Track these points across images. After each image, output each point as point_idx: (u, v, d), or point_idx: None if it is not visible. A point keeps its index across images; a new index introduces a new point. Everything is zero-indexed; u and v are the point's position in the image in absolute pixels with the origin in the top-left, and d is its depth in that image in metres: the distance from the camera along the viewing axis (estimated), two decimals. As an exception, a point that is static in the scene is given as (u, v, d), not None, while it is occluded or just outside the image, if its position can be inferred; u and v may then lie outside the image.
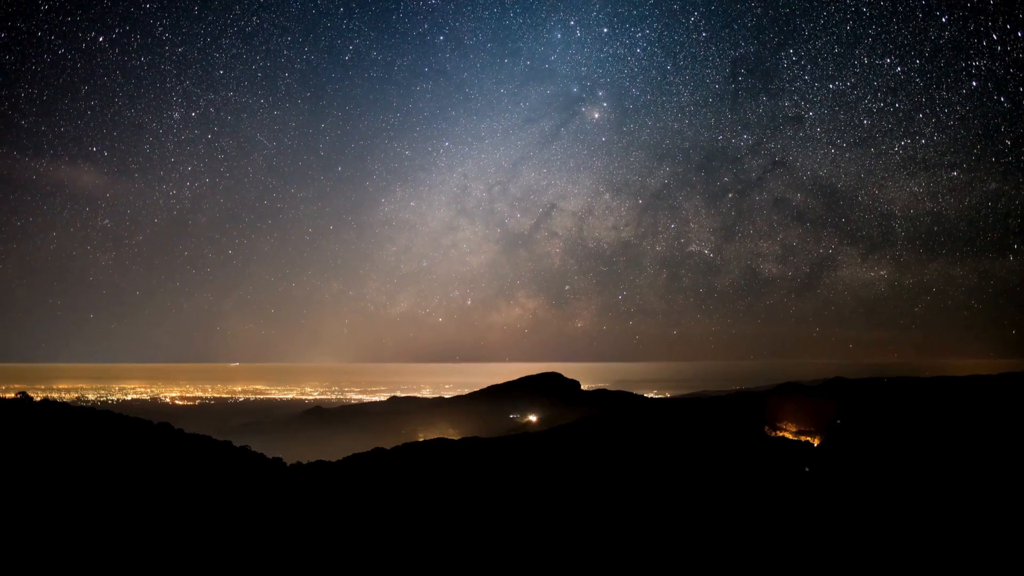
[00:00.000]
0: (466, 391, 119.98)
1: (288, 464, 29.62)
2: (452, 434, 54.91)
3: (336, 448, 52.16)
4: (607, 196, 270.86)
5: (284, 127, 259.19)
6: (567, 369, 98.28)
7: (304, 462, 31.11)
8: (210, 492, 21.02)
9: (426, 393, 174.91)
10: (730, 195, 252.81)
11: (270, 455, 29.92)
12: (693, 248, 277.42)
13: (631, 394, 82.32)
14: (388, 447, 36.90)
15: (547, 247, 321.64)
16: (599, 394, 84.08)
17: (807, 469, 37.93)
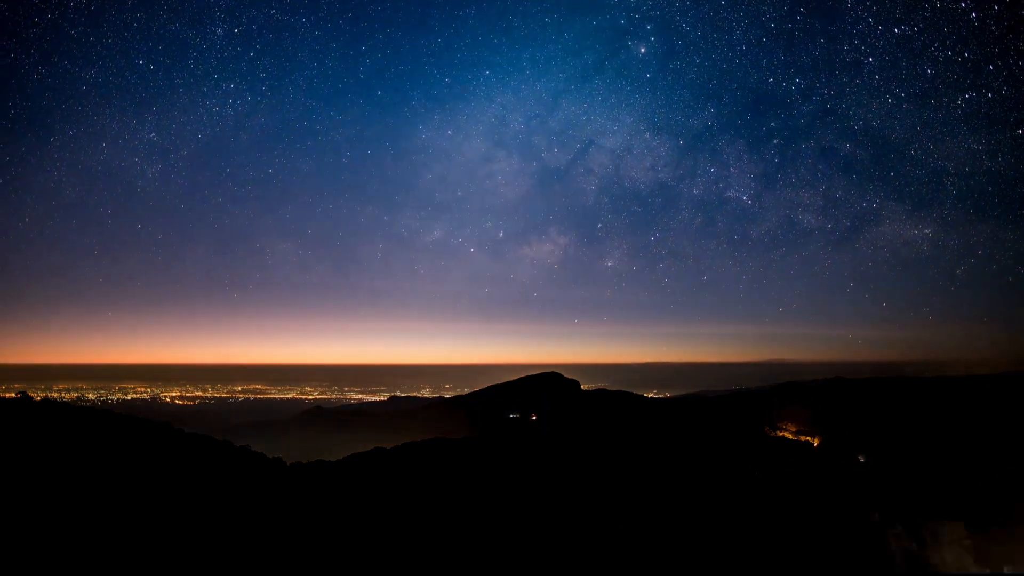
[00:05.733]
0: (466, 391, 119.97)
1: (288, 464, 29.62)
2: (452, 434, 54.94)
3: (336, 448, 52.13)
4: (647, 135, 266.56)
5: (325, 48, 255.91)
6: (567, 369, 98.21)
7: (304, 462, 31.11)
8: (210, 492, 21.02)
9: (426, 393, 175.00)
10: (775, 141, 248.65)
11: (270, 455, 29.92)
12: (731, 194, 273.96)
13: (631, 394, 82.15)
14: (388, 447, 36.89)
15: (582, 183, 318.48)
16: (599, 394, 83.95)
17: None
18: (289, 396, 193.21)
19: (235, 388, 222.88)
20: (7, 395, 31.85)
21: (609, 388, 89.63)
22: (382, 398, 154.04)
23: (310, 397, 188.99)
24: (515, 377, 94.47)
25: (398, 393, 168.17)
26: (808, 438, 58.34)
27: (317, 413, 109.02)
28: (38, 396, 31.76)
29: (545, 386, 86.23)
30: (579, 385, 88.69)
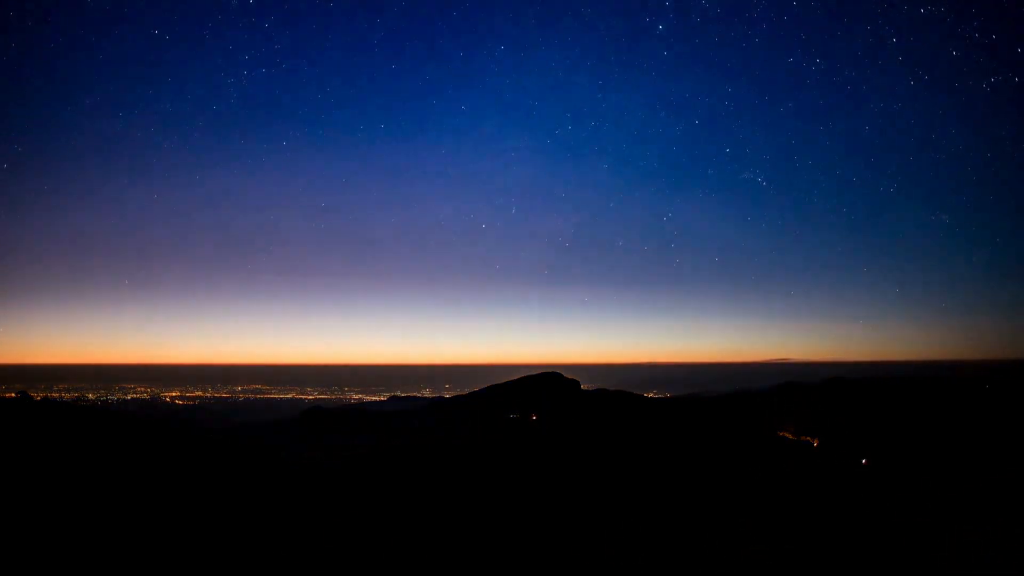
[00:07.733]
0: (466, 391, 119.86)
1: (288, 464, 29.65)
2: (452, 435, 54.90)
3: (336, 448, 52.07)
4: (663, 113, 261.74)
5: (339, 20, 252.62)
6: (567, 368, 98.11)
7: (304, 462, 31.13)
8: (210, 491, 21.03)
9: (426, 393, 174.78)
10: (792, 122, 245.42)
11: (270, 455, 29.95)
12: (746, 175, 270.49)
13: (631, 394, 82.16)
14: (388, 447, 36.91)
15: (595, 161, 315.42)
16: (599, 394, 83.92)
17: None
18: (289, 396, 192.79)
19: (235, 388, 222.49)
20: (7, 395, 31.88)
21: (609, 388, 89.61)
22: (382, 398, 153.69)
23: (310, 397, 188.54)
24: (515, 377, 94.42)
25: (398, 393, 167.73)
26: (808, 438, 58.34)
27: (317, 413, 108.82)
28: (38, 396, 31.78)
29: (545, 386, 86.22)
30: (579, 385, 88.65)
